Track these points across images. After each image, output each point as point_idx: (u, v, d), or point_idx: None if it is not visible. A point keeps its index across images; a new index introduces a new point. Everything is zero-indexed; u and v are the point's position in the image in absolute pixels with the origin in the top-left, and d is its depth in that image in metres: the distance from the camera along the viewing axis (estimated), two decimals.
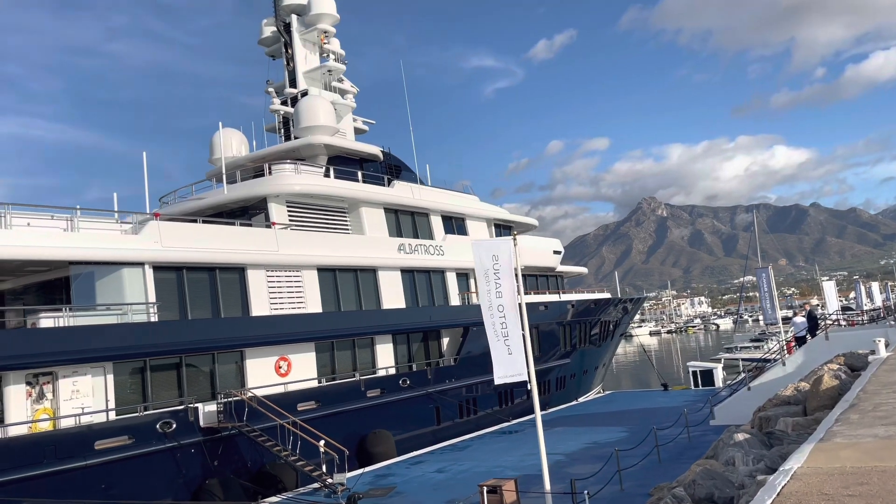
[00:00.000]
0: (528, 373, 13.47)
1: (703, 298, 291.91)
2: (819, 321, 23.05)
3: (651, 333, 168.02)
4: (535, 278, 38.95)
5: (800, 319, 23.86)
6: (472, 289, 33.68)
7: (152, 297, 20.24)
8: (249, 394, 20.87)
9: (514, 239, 14.10)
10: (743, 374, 24.51)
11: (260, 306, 23.19)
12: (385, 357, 27.48)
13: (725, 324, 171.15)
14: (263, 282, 23.48)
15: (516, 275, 13.84)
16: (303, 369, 24.21)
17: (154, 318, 20.12)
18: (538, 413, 13.75)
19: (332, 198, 27.82)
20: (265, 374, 22.96)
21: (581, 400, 36.71)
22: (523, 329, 13.63)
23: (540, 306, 35.96)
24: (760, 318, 60.91)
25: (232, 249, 22.55)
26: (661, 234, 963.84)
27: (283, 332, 23.34)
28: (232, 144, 32.03)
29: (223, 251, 22.28)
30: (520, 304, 13.75)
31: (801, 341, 23.07)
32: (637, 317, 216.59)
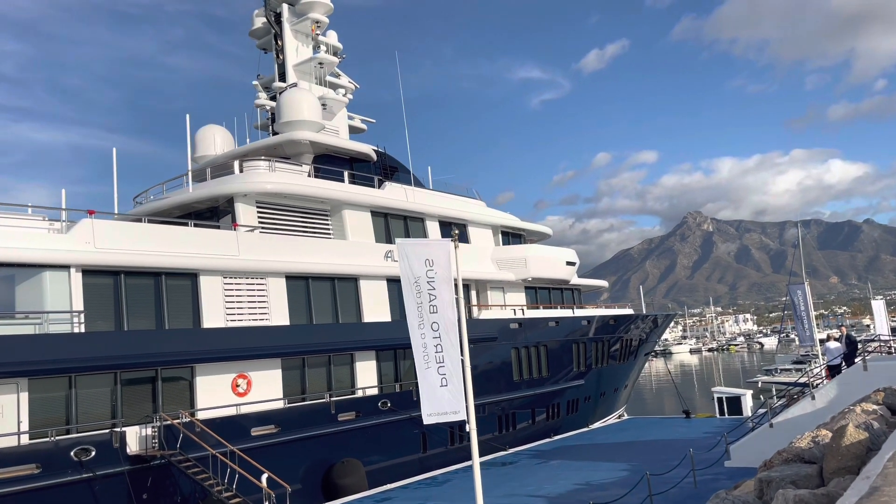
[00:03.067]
0: (468, 410, 10.61)
1: (748, 316, 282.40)
2: (858, 346, 19.57)
3: (691, 351, 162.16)
4: (547, 291, 35.87)
5: (834, 345, 20.38)
6: (474, 301, 30.87)
7: (79, 305, 17.91)
8: (187, 417, 18.36)
9: (455, 239, 11.32)
10: (766, 407, 21.06)
11: (214, 317, 20.71)
12: (366, 376, 24.73)
13: (771, 343, 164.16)
14: (219, 290, 21.02)
15: (456, 285, 11.02)
16: (265, 388, 21.62)
17: (80, 329, 17.77)
18: (476, 460, 10.87)
19: (310, 199, 25.31)
20: (220, 394, 20.45)
21: (592, 426, 33.41)
22: (463, 354, 10.80)
23: (550, 322, 32.92)
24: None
25: (181, 253, 20.14)
26: (706, 249, 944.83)
27: (241, 347, 20.82)
28: (215, 142, 29.89)
29: (171, 255, 19.89)
30: (459, 322, 10.93)
31: (836, 370, 19.64)
32: (679, 334, 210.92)
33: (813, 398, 18.36)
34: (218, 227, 22.63)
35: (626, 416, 41.10)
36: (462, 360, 10.70)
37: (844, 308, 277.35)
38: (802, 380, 26.47)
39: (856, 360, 18.78)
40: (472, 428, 10.71)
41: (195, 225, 21.51)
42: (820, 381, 22.54)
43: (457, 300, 10.90)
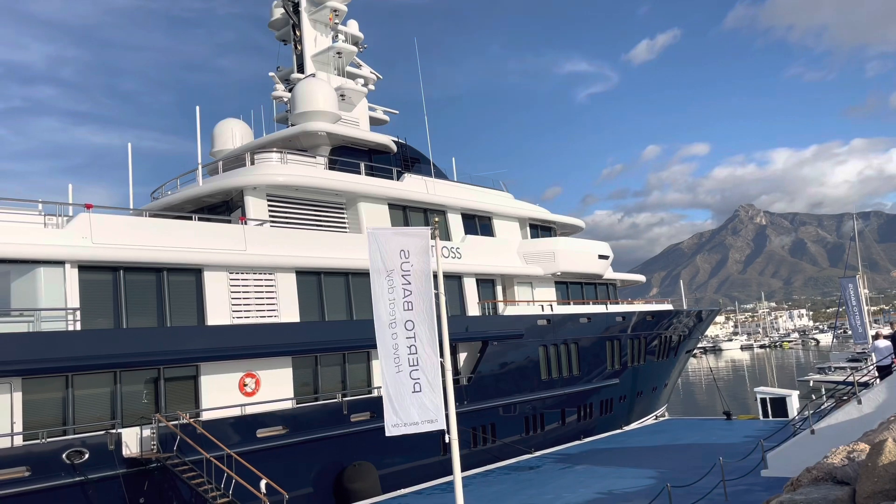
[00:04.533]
0: (448, 419, 9.49)
1: (803, 311, 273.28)
2: None
3: (742, 348, 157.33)
4: (579, 286, 34.40)
5: (883, 343, 18.55)
6: (499, 296, 29.65)
7: (75, 302, 17.34)
8: (185, 418, 17.65)
9: (435, 229, 10.17)
10: (808, 410, 19.31)
11: (219, 314, 19.99)
12: None
13: (827, 339, 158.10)
14: (225, 286, 20.29)
15: (436, 279, 9.89)
16: (275, 388, 20.84)
17: (76, 326, 17.20)
18: (458, 475, 9.73)
19: (324, 191, 24.42)
20: (226, 393, 19.74)
21: (626, 428, 31.86)
22: (443, 356, 9.67)
23: (581, 318, 31.50)
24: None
25: (184, 248, 19.45)
26: (759, 242, 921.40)
27: (248, 345, 20.06)
28: (234, 135, 29.29)
29: (173, 249, 19.21)
30: (439, 319, 9.79)
31: (885, 371, 17.85)
32: (730, 330, 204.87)
33: (859, 402, 16.66)
34: (228, 221, 21.95)
35: (666, 416, 39.40)
36: (441, 363, 9.58)
37: None
38: (848, 381, 24.46)
39: None
40: (452, 439, 9.58)
41: (200, 219, 20.83)
42: (873, 381, 20.69)
43: (437, 296, 9.77)
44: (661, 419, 36.12)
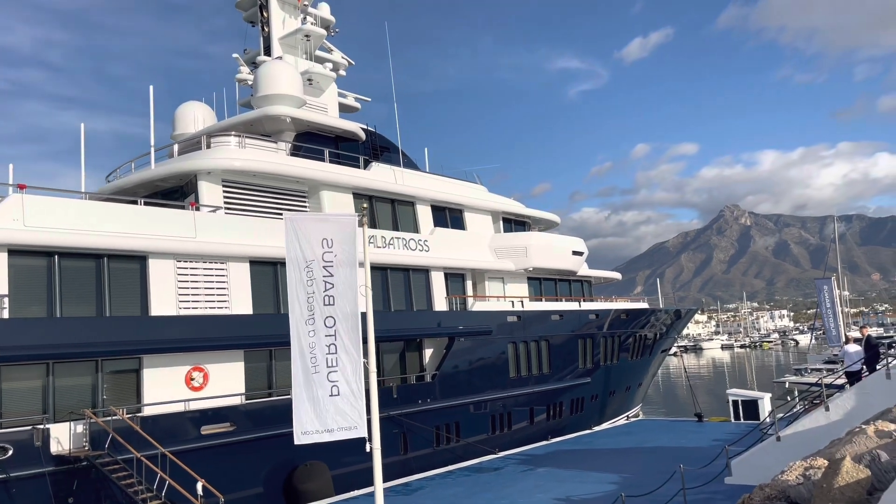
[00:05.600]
0: (370, 426, 8.59)
1: (784, 312, 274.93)
2: (880, 351, 17.07)
3: (723, 347, 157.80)
4: (553, 283, 33.62)
5: (853, 348, 17.87)
6: (469, 291, 28.80)
7: (4, 288, 16.28)
8: (119, 413, 16.65)
9: (363, 217, 9.25)
10: (775, 416, 18.57)
11: (164, 304, 18.98)
12: None
13: (806, 340, 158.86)
14: (171, 275, 19.27)
15: (362, 269, 8.97)
16: (225, 382, 19.87)
17: (4, 314, 16.16)
18: (379, 485, 8.86)
19: (284, 178, 23.41)
20: (171, 388, 18.74)
21: (596, 429, 31.15)
22: (366, 356, 8.77)
23: (553, 315, 30.73)
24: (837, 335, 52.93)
25: (128, 233, 18.41)
26: (743, 243, 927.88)
27: (196, 337, 19.08)
28: (196, 119, 28.19)
29: (115, 234, 18.17)
30: (364, 316, 8.89)
31: (854, 377, 17.17)
32: (711, 329, 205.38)
33: (827, 409, 15.96)
34: (182, 207, 20.89)
35: (640, 416, 38.86)
36: (365, 364, 8.68)
37: (886, 306, 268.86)
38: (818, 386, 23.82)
39: (878, 367, 16.31)
40: (374, 447, 8.70)
41: (146, 203, 19.77)
42: (845, 384, 20.03)
43: (363, 287, 8.86)
44: (633, 419, 35.48)
